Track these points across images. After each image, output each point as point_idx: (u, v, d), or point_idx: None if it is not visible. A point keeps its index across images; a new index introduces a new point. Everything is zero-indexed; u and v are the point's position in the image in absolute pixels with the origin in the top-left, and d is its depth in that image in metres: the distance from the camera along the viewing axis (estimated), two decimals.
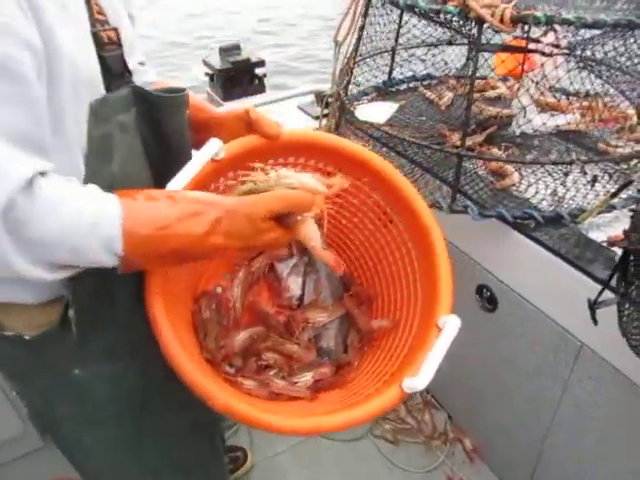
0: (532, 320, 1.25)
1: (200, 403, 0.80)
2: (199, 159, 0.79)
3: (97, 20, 0.71)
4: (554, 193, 1.25)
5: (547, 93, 1.49)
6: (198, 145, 0.85)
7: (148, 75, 0.91)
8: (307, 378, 0.95)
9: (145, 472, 0.98)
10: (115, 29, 0.74)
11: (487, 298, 1.36)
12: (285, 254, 1.10)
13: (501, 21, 1.06)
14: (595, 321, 0.89)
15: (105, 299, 0.80)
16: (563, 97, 1.54)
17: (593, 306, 0.87)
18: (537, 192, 1.25)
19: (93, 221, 0.59)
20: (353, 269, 1.12)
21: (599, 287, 0.97)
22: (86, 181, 0.67)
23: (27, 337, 0.75)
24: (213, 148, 0.80)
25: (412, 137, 1.41)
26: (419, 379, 0.75)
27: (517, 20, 1.05)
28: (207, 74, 2.13)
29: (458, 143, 1.23)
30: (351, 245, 1.10)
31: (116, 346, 0.83)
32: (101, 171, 0.70)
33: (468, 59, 1.48)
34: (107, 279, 0.75)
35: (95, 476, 1.00)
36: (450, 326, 0.79)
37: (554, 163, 1.16)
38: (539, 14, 1.03)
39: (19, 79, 0.56)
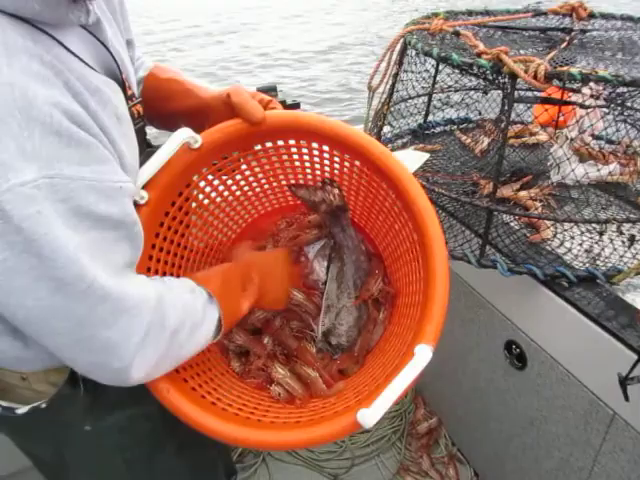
0: (562, 383, 1.18)
1: (202, 441, 0.86)
2: (165, 149, 0.78)
3: (130, 96, 0.73)
4: (589, 250, 1.20)
5: (587, 143, 1.45)
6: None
7: (144, 66, 0.95)
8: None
9: None
10: (140, 102, 0.77)
11: (516, 355, 1.31)
12: (314, 236, 1.09)
13: (535, 77, 1.04)
14: (627, 397, 0.84)
15: None
16: (605, 145, 1.50)
17: (624, 382, 0.82)
18: (571, 249, 1.21)
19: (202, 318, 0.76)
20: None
21: (633, 355, 0.92)
22: None
23: (44, 406, 0.77)
24: (179, 138, 0.79)
25: (444, 183, 1.39)
26: (369, 416, 0.68)
27: (551, 76, 1.03)
28: None
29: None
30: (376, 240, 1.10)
31: (121, 397, 0.84)
32: None
33: (502, 111, 1.46)
34: None
35: None
36: (417, 360, 0.72)
37: (588, 221, 1.11)
38: (574, 71, 1.01)
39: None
